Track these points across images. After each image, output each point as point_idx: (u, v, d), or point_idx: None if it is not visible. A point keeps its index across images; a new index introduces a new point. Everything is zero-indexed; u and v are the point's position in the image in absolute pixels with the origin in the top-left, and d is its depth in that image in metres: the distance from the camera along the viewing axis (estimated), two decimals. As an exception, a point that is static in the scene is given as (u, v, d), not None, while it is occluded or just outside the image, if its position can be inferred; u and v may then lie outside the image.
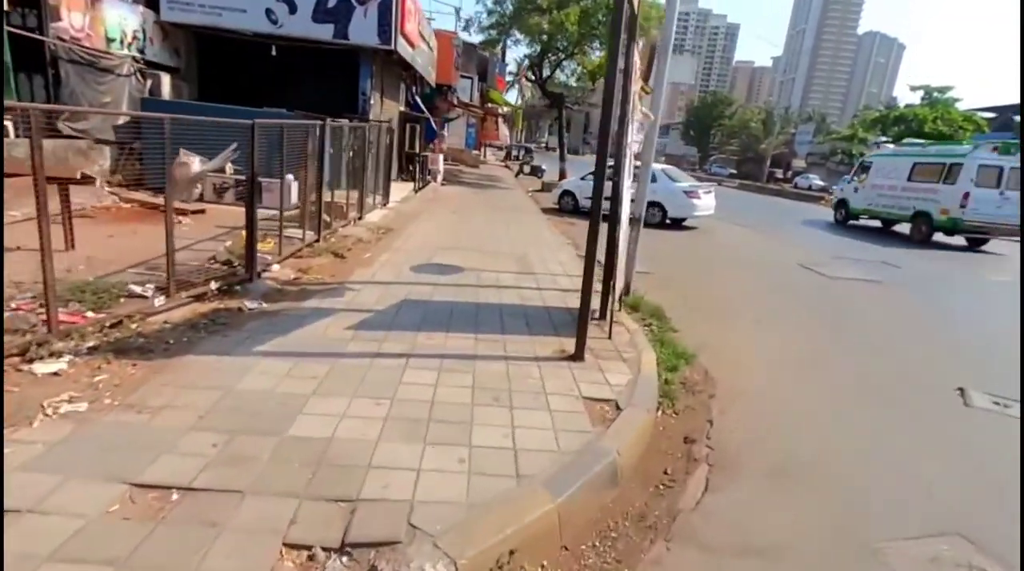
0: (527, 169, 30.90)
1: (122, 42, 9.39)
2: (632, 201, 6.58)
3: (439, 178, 18.18)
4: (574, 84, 27.27)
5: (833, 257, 12.08)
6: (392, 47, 10.43)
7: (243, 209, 7.47)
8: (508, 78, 41.14)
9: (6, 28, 7.67)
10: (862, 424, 4.10)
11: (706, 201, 15.05)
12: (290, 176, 9.13)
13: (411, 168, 16.13)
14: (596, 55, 25.22)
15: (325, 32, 10.28)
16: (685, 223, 15.52)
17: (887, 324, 7.06)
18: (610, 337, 4.96)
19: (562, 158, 24.90)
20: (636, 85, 4.78)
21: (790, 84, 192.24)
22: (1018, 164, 15.65)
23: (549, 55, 23.78)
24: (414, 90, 17.54)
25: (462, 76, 30.65)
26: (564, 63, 26.40)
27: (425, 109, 16.82)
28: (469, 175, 25.91)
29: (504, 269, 7.30)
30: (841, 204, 20.24)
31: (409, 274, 6.59)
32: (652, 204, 15.03)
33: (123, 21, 9.24)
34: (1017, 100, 37.97)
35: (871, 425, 4.10)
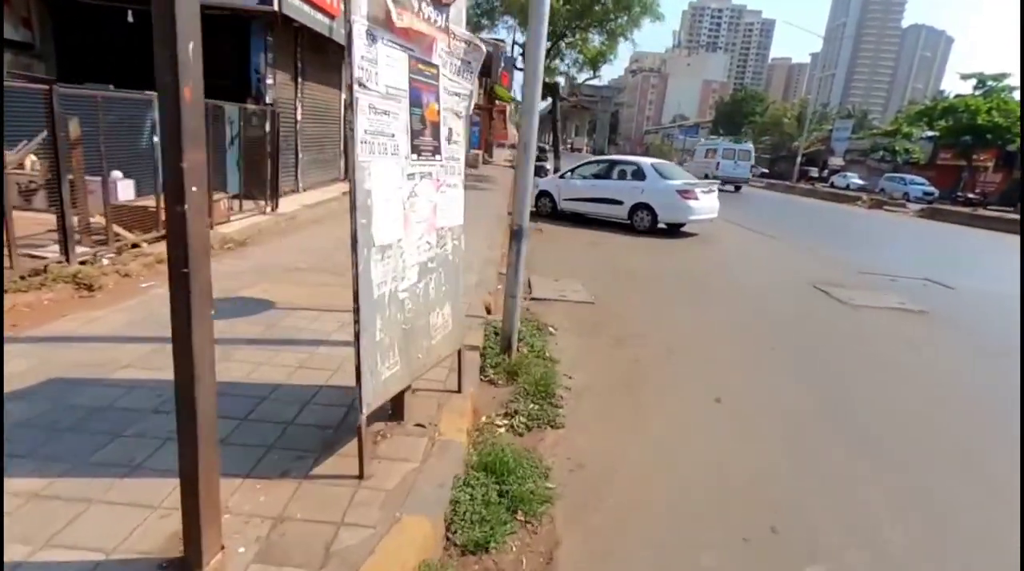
0: (529, 169, 28.47)
1: (-81, 5, 7.36)
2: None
3: (402, 178, 15.87)
4: (575, 74, 24.65)
5: (860, 272, 9.27)
6: (274, 8, 8.15)
7: (54, 217, 5.43)
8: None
9: None
10: None
11: (706, 202, 12.33)
12: (118, 173, 6.97)
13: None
14: (596, 41, 22.62)
15: (189, -10, 8.09)
16: (684, 229, 12.86)
17: (940, 409, 4.35)
18: (361, 476, 2.48)
19: (556, 155, 22.36)
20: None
21: (829, 80, 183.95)
22: (744, 147, 32.92)
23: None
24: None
25: (458, 70, 28.37)
26: (565, 52, 23.86)
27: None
28: (457, 176, 23.58)
29: (342, 307, 4.88)
30: None
31: (155, 321, 4.23)
32: (640, 206, 12.41)
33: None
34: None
35: None
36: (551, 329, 5.34)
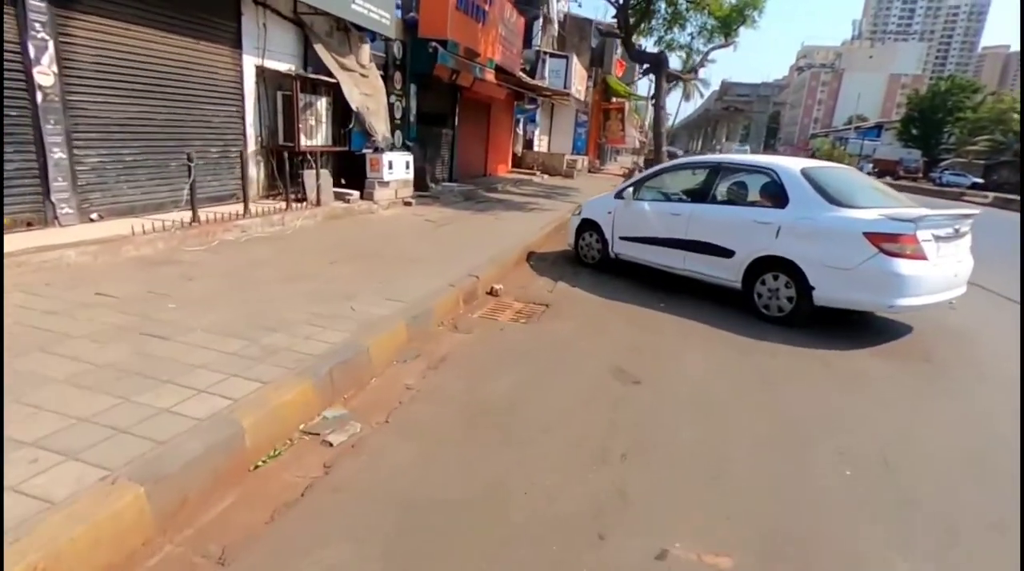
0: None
1: None
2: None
3: (379, 193, 10.26)
4: (700, 47, 17.31)
5: None
6: None
7: None
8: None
9: None
10: None
11: (944, 265, 5.06)
12: None
13: (296, 176, 8.56)
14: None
15: None
16: (881, 314, 5.68)
17: None
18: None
19: (659, 160, 15.38)
20: None
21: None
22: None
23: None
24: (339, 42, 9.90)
25: (552, 55, 22.37)
26: (688, 15, 16.75)
27: (337, 69, 8.95)
28: (529, 187, 17.26)
29: None
30: None
31: None
32: (770, 263, 5.40)
33: None
34: None
35: None
36: None
